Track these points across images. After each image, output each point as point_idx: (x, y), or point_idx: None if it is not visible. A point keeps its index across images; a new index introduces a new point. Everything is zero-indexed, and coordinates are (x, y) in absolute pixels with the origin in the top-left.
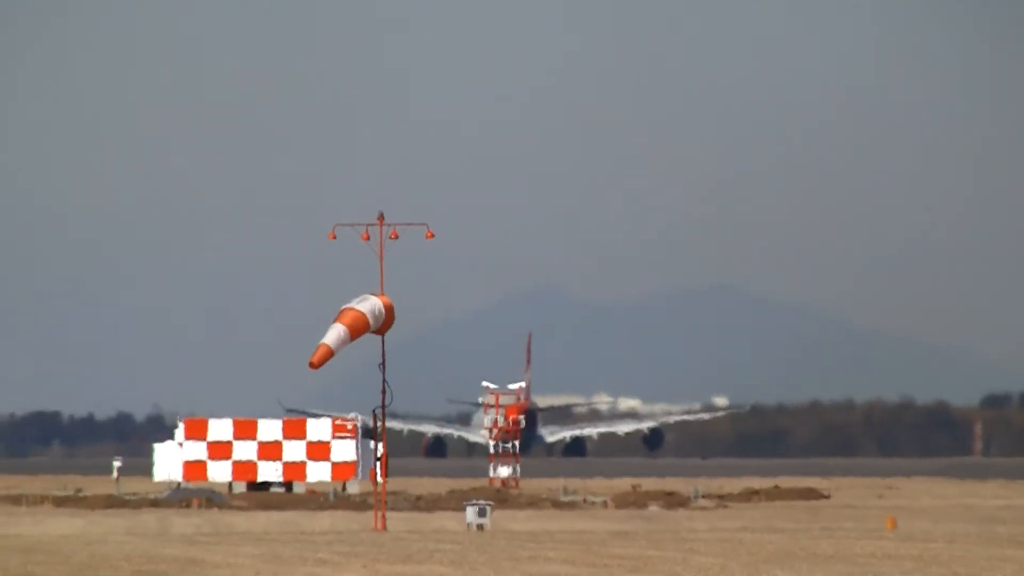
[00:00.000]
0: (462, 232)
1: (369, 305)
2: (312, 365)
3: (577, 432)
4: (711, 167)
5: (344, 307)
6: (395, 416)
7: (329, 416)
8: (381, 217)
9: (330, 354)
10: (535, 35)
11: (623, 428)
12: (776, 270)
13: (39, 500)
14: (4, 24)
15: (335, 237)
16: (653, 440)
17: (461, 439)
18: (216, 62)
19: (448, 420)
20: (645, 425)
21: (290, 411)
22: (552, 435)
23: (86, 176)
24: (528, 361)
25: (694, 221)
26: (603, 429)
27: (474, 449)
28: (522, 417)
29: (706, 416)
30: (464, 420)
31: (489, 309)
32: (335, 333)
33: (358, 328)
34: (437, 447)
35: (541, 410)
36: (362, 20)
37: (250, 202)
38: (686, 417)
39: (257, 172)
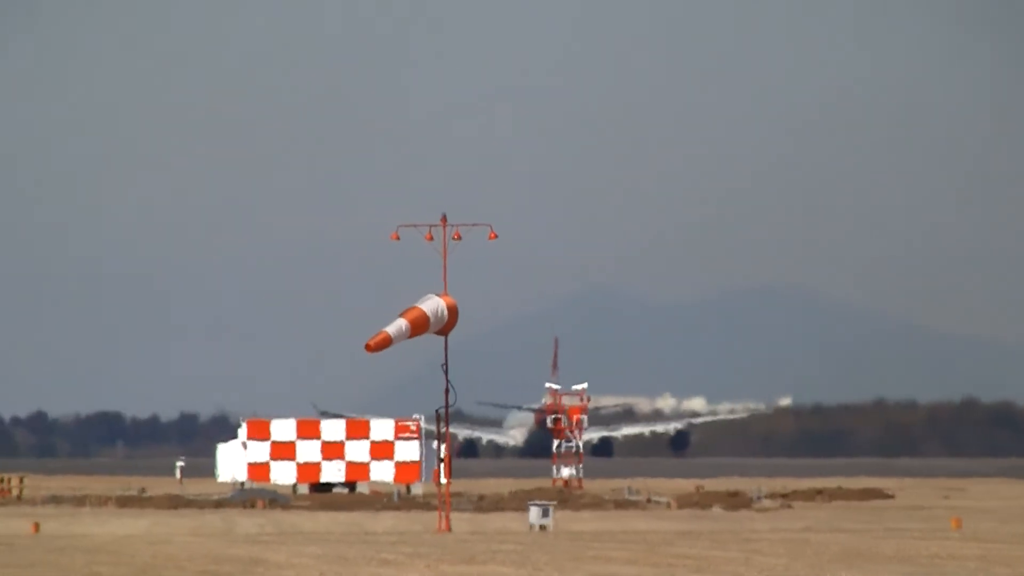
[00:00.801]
0: (523, 234)
1: (432, 305)
2: (368, 348)
3: (604, 433)
4: (775, 167)
5: (411, 305)
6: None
7: (364, 418)
8: (444, 218)
9: (388, 341)
10: (583, 41)
11: (649, 429)
12: (841, 271)
13: (103, 500)
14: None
15: (398, 238)
16: (679, 441)
17: (491, 442)
18: (283, 63)
19: (479, 423)
20: (672, 426)
21: (323, 413)
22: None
23: (152, 178)
24: (555, 365)
25: (760, 221)
26: (627, 431)
27: (503, 452)
28: (552, 418)
29: (733, 417)
30: (496, 423)
31: (549, 309)
32: (397, 325)
33: (419, 325)
34: (468, 450)
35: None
36: (425, 22)
37: (314, 204)
38: (709, 418)
39: (321, 175)
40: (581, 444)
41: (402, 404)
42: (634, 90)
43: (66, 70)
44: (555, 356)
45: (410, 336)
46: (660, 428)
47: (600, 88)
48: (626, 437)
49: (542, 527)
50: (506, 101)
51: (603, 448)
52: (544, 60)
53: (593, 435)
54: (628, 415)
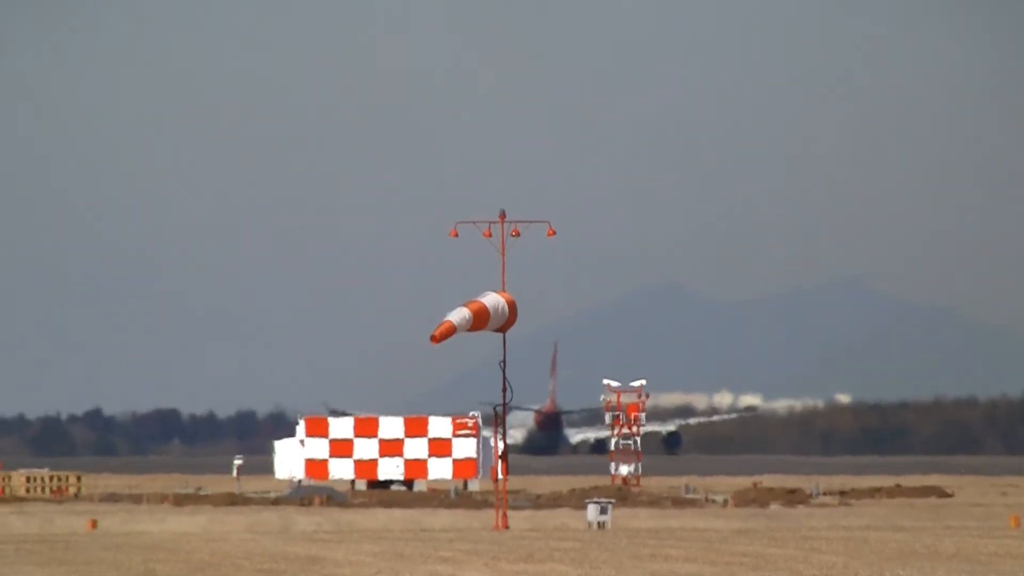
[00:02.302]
0: (583, 230)
1: (492, 300)
2: (433, 338)
3: (599, 434)
4: (835, 163)
5: (472, 299)
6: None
7: (372, 416)
8: (503, 214)
9: (452, 331)
10: (655, 32)
11: (643, 429)
12: (899, 268)
13: (160, 498)
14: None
15: (457, 235)
16: (672, 442)
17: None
18: (342, 61)
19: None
20: (664, 428)
21: (333, 412)
22: (575, 436)
23: (211, 175)
24: (553, 369)
25: (817, 217)
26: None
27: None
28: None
29: (728, 417)
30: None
31: (610, 306)
32: (460, 314)
33: (481, 317)
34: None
35: (565, 413)
36: (483, 16)
37: (373, 201)
38: (704, 419)
39: (378, 172)
40: (639, 441)
41: (460, 400)
42: (697, 85)
43: (112, 62)
44: (554, 361)
45: (470, 329)
46: (651, 429)
47: (663, 84)
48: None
49: (600, 525)
50: (566, 97)
51: (599, 448)
52: (605, 56)
53: (589, 436)
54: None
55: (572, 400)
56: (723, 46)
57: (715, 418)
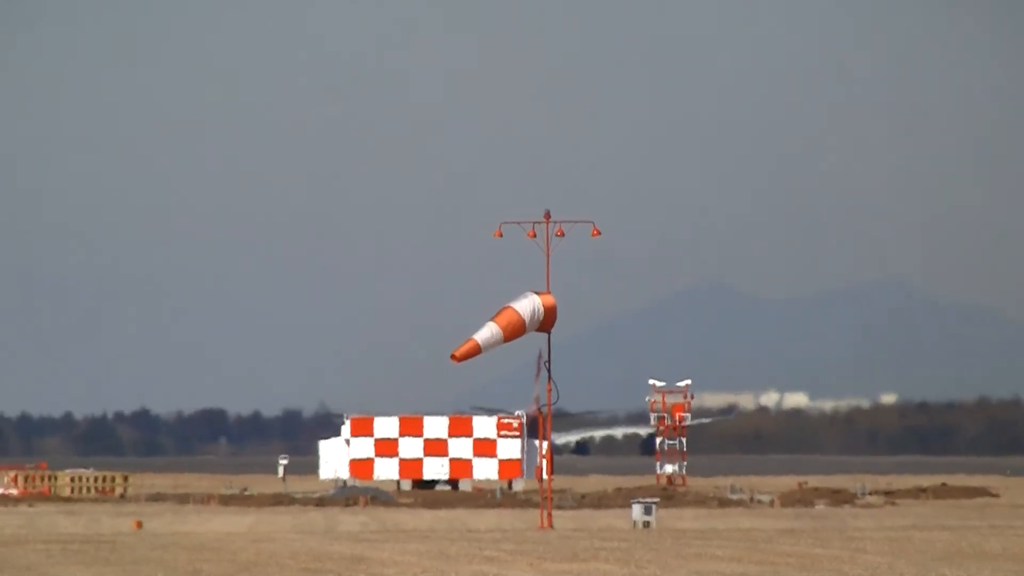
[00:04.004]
0: (628, 229)
1: (529, 305)
2: (454, 358)
3: (579, 436)
4: (883, 164)
5: (505, 305)
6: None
7: (369, 416)
8: (547, 214)
9: (476, 350)
10: (698, 29)
11: (621, 432)
12: (945, 268)
13: (206, 498)
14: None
15: (501, 235)
16: (648, 444)
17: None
18: (381, 60)
19: (588, 423)
20: (643, 430)
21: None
22: (558, 439)
23: (254, 177)
24: (537, 375)
25: (867, 218)
26: (602, 432)
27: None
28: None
29: (704, 421)
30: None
31: (655, 306)
32: (488, 331)
33: (513, 330)
34: (579, 448)
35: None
36: (527, 17)
37: (421, 200)
38: (612, 433)
39: (423, 171)
40: (684, 441)
41: (504, 400)
42: (743, 83)
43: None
44: (538, 370)
45: (505, 341)
46: (629, 431)
47: (710, 82)
48: (603, 439)
49: (645, 524)
50: (609, 98)
51: (580, 451)
52: (651, 56)
53: (570, 438)
54: (596, 420)
55: (616, 402)
56: (768, 42)
57: (691, 422)
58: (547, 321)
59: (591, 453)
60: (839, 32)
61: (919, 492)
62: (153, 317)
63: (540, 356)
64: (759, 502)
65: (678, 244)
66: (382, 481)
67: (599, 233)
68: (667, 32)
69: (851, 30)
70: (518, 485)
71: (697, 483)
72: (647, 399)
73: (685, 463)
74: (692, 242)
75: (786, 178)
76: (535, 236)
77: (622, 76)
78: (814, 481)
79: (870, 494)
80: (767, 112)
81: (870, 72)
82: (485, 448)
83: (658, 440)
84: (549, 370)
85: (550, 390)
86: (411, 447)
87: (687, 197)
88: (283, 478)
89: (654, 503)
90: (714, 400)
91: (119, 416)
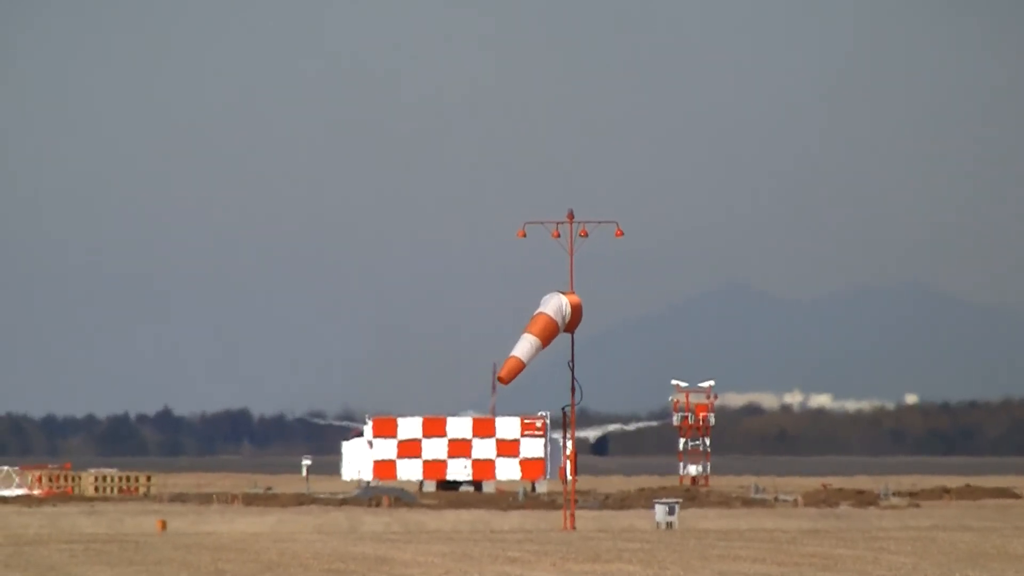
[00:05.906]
0: (650, 230)
1: (556, 307)
2: (502, 380)
3: (596, 433)
4: (907, 166)
5: (535, 313)
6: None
7: (344, 424)
8: (571, 215)
9: (520, 367)
10: (721, 33)
11: (635, 426)
12: (968, 268)
13: (229, 498)
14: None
15: (525, 235)
16: (599, 447)
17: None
18: (401, 61)
19: (608, 419)
20: (592, 434)
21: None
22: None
23: (276, 178)
24: (494, 387)
25: (891, 219)
26: (591, 432)
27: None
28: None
29: (651, 424)
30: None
31: (677, 306)
32: (527, 344)
33: (549, 336)
34: (599, 448)
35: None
36: (550, 20)
37: (446, 200)
38: (625, 427)
39: (447, 172)
40: (708, 441)
41: (526, 402)
42: (763, 84)
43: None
44: (494, 378)
45: (544, 347)
46: (580, 435)
47: (731, 86)
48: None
49: (668, 525)
50: (631, 96)
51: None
52: (675, 57)
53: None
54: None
55: (640, 403)
56: (789, 44)
57: (631, 427)
58: (573, 320)
59: (610, 453)
60: (852, 32)
61: (943, 493)
62: (176, 318)
63: (494, 367)
64: (783, 502)
65: (701, 244)
66: (405, 482)
67: (623, 234)
68: (688, 31)
69: (898, 27)
70: (541, 487)
71: (720, 483)
72: (670, 399)
73: (708, 463)
74: (715, 242)
75: (807, 178)
76: (559, 236)
77: (643, 76)
78: (837, 482)
79: (894, 495)
80: (786, 112)
81: (900, 73)
82: (508, 448)
83: (681, 441)
84: (573, 370)
85: (573, 389)
86: (435, 448)
87: (709, 197)
88: (306, 478)
89: (677, 503)
90: (737, 401)
91: (142, 417)
